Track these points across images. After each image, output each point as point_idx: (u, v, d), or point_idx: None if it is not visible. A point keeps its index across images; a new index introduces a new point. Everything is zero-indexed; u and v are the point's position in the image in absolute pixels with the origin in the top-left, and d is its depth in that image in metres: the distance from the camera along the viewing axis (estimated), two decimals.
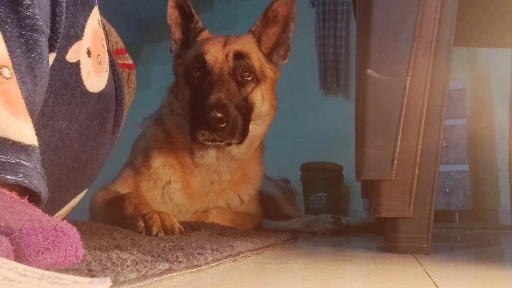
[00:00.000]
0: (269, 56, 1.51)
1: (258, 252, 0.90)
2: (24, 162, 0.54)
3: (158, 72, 4.42)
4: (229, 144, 1.34)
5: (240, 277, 0.61)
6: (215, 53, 1.38)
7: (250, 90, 1.40)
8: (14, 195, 0.54)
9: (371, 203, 1.01)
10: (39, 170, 0.56)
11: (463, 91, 3.21)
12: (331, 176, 3.63)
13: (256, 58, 1.45)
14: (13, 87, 0.53)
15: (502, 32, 1.50)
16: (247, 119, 1.36)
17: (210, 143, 1.31)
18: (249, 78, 1.40)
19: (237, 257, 0.78)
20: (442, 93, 0.95)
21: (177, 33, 1.54)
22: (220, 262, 0.71)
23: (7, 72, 0.53)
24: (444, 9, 0.95)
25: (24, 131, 0.55)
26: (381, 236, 1.37)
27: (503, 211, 3.17)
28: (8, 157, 0.52)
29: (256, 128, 1.45)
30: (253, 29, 1.50)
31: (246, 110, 1.37)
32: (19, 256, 0.44)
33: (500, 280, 0.62)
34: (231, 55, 1.38)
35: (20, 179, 0.53)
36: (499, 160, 3.33)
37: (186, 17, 1.52)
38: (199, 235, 1.09)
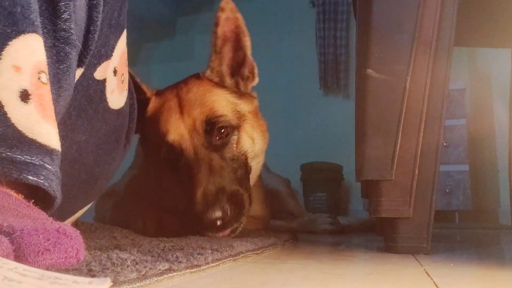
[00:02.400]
0: (236, 84, 1.26)
1: (258, 252, 0.90)
2: (47, 165, 0.55)
3: (158, 72, 4.42)
4: (238, 228, 1.11)
5: (240, 277, 0.61)
6: (177, 129, 1.12)
7: (235, 144, 1.17)
8: (20, 197, 0.54)
9: (371, 203, 1.01)
10: (58, 175, 0.58)
11: (463, 91, 3.22)
12: (331, 176, 3.63)
13: (226, 105, 1.18)
14: (47, 92, 0.55)
15: (502, 32, 1.50)
16: (246, 172, 1.18)
17: (219, 235, 1.07)
18: (228, 133, 1.15)
19: (237, 257, 0.78)
20: (442, 93, 0.95)
21: None
22: (220, 262, 0.71)
23: (45, 77, 0.55)
24: (444, 9, 0.95)
25: (51, 135, 0.56)
26: (381, 236, 1.37)
27: (503, 211, 3.17)
28: (33, 158, 0.53)
29: (255, 164, 1.25)
30: (211, 65, 1.23)
31: (242, 164, 1.17)
32: (19, 256, 0.44)
33: (500, 280, 0.62)
34: (200, 129, 1.12)
35: (41, 181, 0.54)
36: (499, 160, 3.33)
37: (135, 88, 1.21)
38: (200, 235, 1.09)
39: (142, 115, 1.20)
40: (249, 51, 1.25)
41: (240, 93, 1.24)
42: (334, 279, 0.60)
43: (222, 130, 1.15)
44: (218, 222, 1.01)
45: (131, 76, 1.18)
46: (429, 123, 0.94)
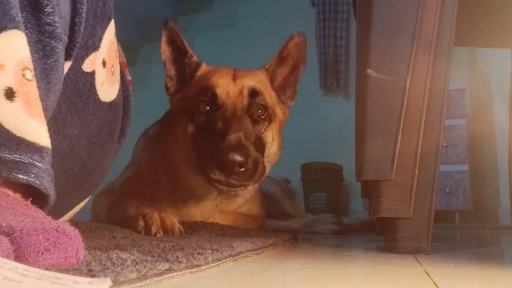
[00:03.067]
0: (278, 95, 1.45)
1: (258, 252, 0.90)
2: (37, 163, 0.55)
3: (157, 72, 4.40)
4: (245, 187, 1.22)
5: (240, 277, 0.61)
6: (226, 87, 1.28)
7: (263, 129, 1.32)
8: (17, 196, 0.54)
9: (371, 203, 1.01)
10: (50, 173, 0.57)
11: (463, 91, 3.21)
12: (331, 176, 3.63)
13: (269, 96, 1.38)
14: (33, 89, 0.55)
15: (502, 32, 1.50)
16: (262, 160, 1.27)
17: (224, 188, 1.18)
18: (263, 117, 1.32)
19: (237, 257, 0.78)
20: (442, 93, 0.95)
21: (172, 70, 1.44)
22: (220, 262, 0.71)
23: (29, 74, 0.54)
24: (444, 9, 0.95)
25: (40, 133, 0.56)
26: (381, 236, 1.37)
27: (503, 211, 3.17)
28: (22, 156, 0.53)
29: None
30: (266, 66, 1.44)
31: (260, 150, 1.27)
32: (19, 256, 0.44)
33: (500, 280, 0.62)
34: (245, 92, 1.29)
35: (32, 179, 0.53)
36: (499, 160, 3.33)
37: (179, 51, 1.42)
38: (199, 235, 1.09)
39: (187, 77, 1.40)
40: (299, 78, 1.48)
41: (280, 100, 1.45)
42: (334, 279, 0.60)
43: (260, 111, 1.31)
44: (237, 168, 1.11)
45: (179, 39, 1.38)
46: (429, 123, 0.94)
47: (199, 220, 1.37)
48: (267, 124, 1.33)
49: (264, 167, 1.25)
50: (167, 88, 1.44)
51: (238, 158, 1.09)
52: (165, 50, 1.41)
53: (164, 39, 1.40)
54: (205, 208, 1.42)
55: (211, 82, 1.30)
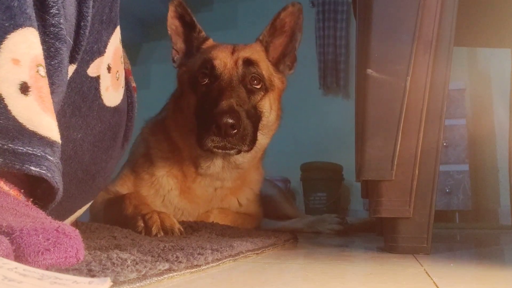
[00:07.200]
0: (276, 65, 1.51)
1: (258, 252, 0.90)
2: (49, 157, 0.55)
3: (157, 71, 4.41)
4: (238, 152, 1.31)
5: (240, 277, 0.61)
6: (224, 59, 1.37)
7: (259, 98, 1.39)
8: (18, 197, 0.54)
9: (371, 203, 1.01)
10: (59, 167, 0.58)
11: (463, 91, 3.21)
12: (331, 176, 3.63)
13: (265, 66, 1.44)
14: (45, 85, 0.56)
15: (502, 32, 1.50)
16: (255, 128, 1.34)
17: (220, 150, 1.27)
18: (258, 86, 1.39)
19: (237, 257, 0.78)
20: (442, 93, 0.95)
21: (178, 43, 1.52)
22: (220, 262, 0.71)
23: (42, 70, 0.55)
24: (444, 9, 0.95)
25: (51, 127, 0.56)
26: (381, 236, 1.37)
27: (503, 211, 3.17)
28: (35, 149, 0.54)
29: (262, 138, 1.43)
30: (260, 38, 1.49)
31: (255, 118, 1.36)
32: (19, 256, 0.44)
33: (500, 280, 0.62)
34: (240, 62, 1.37)
35: (44, 171, 0.54)
36: (499, 160, 3.33)
37: (188, 26, 1.50)
38: (199, 235, 1.09)
39: (194, 51, 1.50)
40: (297, 46, 1.52)
41: (277, 70, 1.51)
42: (334, 279, 0.60)
43: (255, 81, 1.38)
44: (230, 130, 1.20)
45: (187, 14, 1.47)
46: (429, 123, 0.94)
47: (201, 199, 1.45)
48: (262, 93, 1.40)
49: (255, 134, 1.34)
50: (173, 61, 1.52)
51: (230, 120, 1.19)
52: (171, 24, 1.50)
53: (171, 13, 1.49)
54: (208, 186, 1.46)
55: (211, 55, 1.38)
